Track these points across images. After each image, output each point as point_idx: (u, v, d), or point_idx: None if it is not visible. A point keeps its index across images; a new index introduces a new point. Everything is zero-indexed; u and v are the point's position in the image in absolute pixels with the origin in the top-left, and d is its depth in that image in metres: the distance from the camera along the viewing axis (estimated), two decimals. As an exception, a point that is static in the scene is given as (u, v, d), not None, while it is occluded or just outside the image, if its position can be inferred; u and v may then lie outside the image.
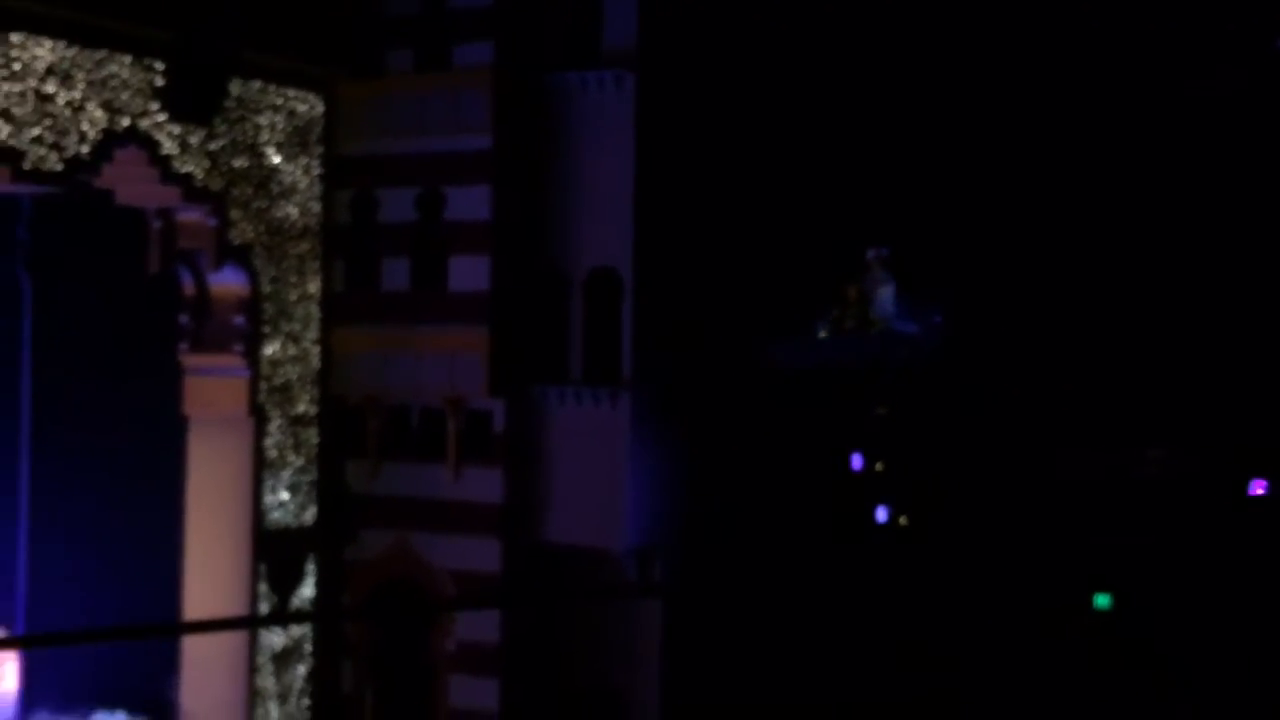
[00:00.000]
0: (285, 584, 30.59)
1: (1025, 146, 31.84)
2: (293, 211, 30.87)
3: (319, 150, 31.19)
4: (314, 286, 31.20)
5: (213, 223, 29.79)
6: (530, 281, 30.65)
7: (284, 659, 30.58)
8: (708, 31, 31.30)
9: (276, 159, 30.59)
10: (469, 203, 30.56)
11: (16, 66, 27.20)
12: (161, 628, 28.82)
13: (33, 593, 31.19)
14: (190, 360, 30.47)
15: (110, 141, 28.17)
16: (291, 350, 30.88)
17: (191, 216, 29.80)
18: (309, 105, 31.05)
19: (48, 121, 27.50)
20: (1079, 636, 30.76)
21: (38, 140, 27.44)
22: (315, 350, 31.17)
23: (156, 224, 29.76)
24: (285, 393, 30.76)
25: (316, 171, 31.21)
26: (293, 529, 30.75)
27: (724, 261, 31.30)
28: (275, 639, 30.48)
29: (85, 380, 31.36)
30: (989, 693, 30.54)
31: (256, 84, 30.19)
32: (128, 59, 28.31)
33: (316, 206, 31.23)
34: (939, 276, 31.23)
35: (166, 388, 30.45)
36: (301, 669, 30.86)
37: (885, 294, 30.87)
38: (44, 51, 27.47)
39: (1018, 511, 31.48)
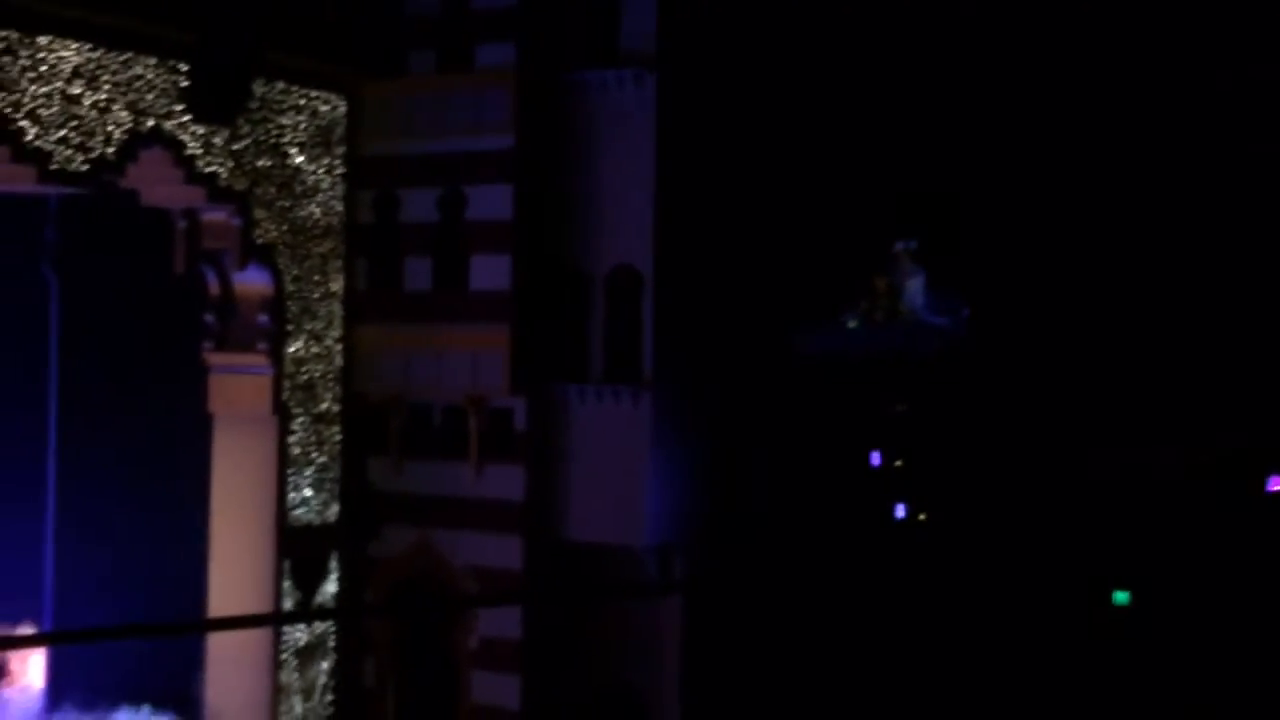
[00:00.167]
0: (308, 581, 30.82)
1: (1052, 142, 31.87)
2: (316, 211, 31.11)
3: (341, 150, 31.42)
4: (337, 285, 31.43)
5: (237, 222, 30.02)
6: (551, 280, 30.79)
7: (307, 655, 30.81)
8: (727, 27, 31.39)
9: (299, 159, 30.82)
10: (490, 202, 30.73)
11: (43, 68, 27.46)
12: (187, 625, 29.07)
13: (59, 589, 31.44)
14: (215, 359, 30.69)
15: (135, 142, 28.43)
16: (315, 349, 31.12)
17: (216, 216, 30.04)
18: (332, 106, 31.28)
19: (74, 123, 27.76)
20: (1098, 633, 30.83)
21: (64, 141, 27.70)
22: (338, 349, 31.40)
23: (181, 224, 29.99)
24: (308, 391, 30.99)
25: (339, 171, 31.44)
26: (316, 526, 30.98)
27: (746, 257, 31.39)
28: (299, 635, 30.71)
29: (111, 379, 31.62)
30: (1009, 690, 30.62)
31: (279, 84, 30.43)
32: (152, 60, 28.57)
33: (339, 206, 31.47)
34: (964, 272, 31.30)
35: (191, 386, 30.68)
36: (325, 665, 31.09)
37: (915, 285, 31.00)
38: (70, 53, 27.73)
39: (1037, 508, 31.55)
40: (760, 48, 31.87)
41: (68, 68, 27.72)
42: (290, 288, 30.73)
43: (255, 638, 30.21)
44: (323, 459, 31.10)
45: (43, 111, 27.44)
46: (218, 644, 30.17)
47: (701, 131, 30.93)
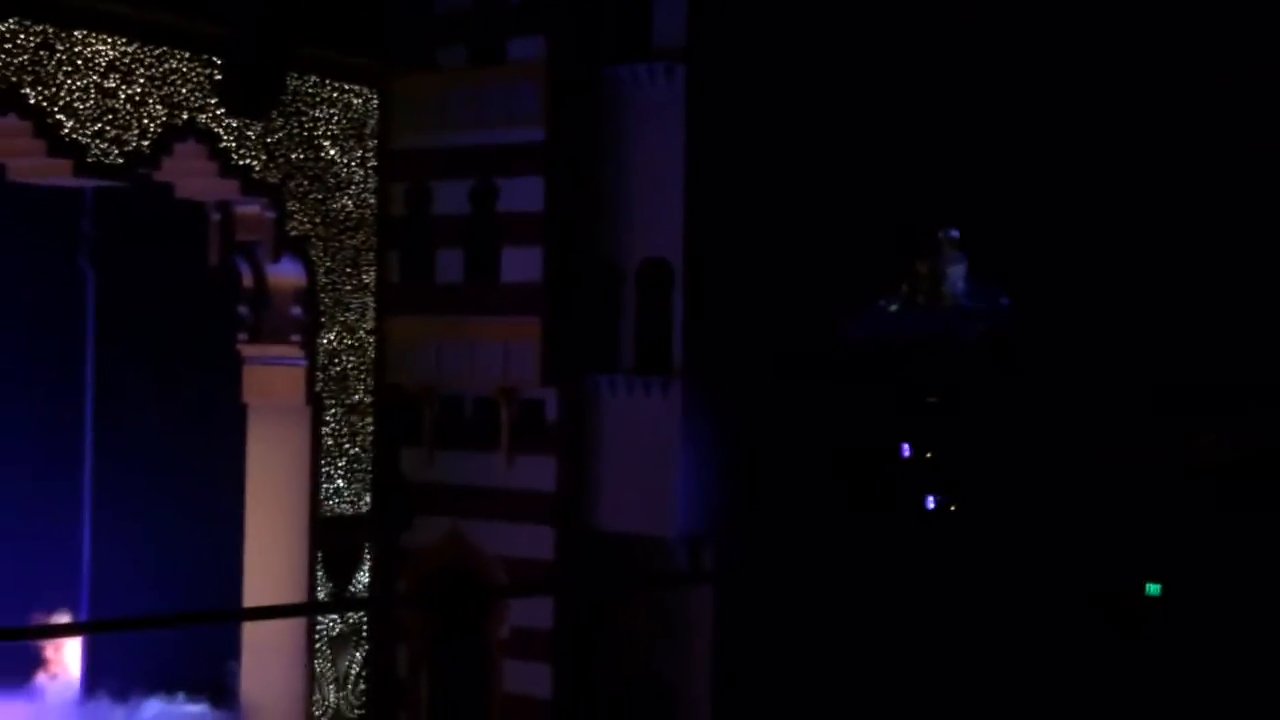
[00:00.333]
0: (342, 570, 31.05)
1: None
2: (348, 204, 31.33)
3: (374, 143, 31.64)
4: (369, 277, 31.65)
5: (271, 215, 30.26)
6: (582, 272, 30.94)
7: (340, 644, 31.03)
8: (758, 19, 31.45)
9: (333, 152, 31.05)
10: (522, 194, 30.88)
11: (79, 62, 27.75)
12: (220, 614, 29.31)
13: (96, 579, 31.75)
14: (249, 350, 30.93)
15: (170, 136, 28.70)
16: (348, 340, 31.34)
17: (250, 209, 30.28)
18: (364, 99, 31.50)
19: (109, 116, 28.04)
20: (1129, 625, 30.84)
21: (99, 135, 27.98)
22: (371, 340, 31.62)
23: (215, 216, 30.24)
24: (341, 382, 31.22)
25: (372, 164, 31.65)
26: (349, 516, 31.20)
27: (780, 248, 31.43)
28: (332, 624, 30.94)
29: (146, 370, 31.91)
30: (1036, 681, 30.66)
31: (312, 78, 30.65)
32: (187, 54, 28.83)
33: (372, 199, 31.69)
34: (1002, 262, 31.33)
35: (226, 377, 30.94)
36: (358, 654, 31.32)
37: (957, 272, 31.14)
38: (105, 48, 28.01)
39: (1068, 498, 31.56)
40: (792, 39, 31.93)
41: (103, 62, 27.99)
42: (323, 280, 30.96)
43: (289, 627, 30.45)
44: (355, 450, 31.33)
45: (79, 105, 27.73)
46: (253, 633, 30.40)
47: (732, 125, 31.02)
